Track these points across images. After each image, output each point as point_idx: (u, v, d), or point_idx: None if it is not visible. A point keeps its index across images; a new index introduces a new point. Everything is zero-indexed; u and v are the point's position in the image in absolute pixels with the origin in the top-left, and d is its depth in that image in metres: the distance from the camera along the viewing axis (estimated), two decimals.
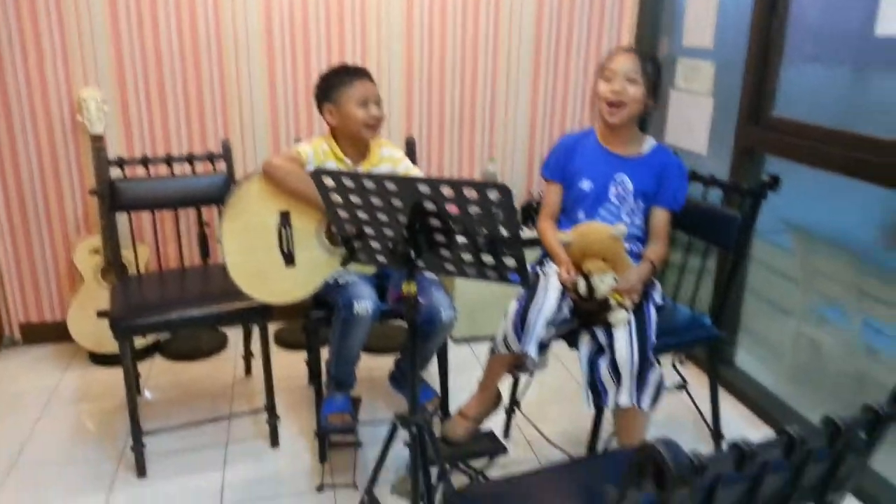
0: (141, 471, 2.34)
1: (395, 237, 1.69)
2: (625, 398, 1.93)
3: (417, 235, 1.62)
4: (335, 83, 2.25)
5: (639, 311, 2.03)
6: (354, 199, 1.66)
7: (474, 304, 3.15)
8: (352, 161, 2.31)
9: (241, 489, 2.29)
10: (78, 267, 2.96)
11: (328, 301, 2.29)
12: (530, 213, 3.26)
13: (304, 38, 3.09)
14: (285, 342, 3.22)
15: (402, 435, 1.81)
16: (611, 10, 3.34)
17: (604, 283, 1.99)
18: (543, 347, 2.05)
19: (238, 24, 3.01)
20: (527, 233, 2.94)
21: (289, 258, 2.24)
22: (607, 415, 2.20)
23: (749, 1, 2.59)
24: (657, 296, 2.13)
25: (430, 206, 1.58)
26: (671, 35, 3.19)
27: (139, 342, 3.06)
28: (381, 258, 1.78)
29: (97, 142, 2.86)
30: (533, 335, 1.98)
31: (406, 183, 1.57)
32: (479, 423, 2.29)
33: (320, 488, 2.28)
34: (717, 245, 2.21)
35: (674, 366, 2.26)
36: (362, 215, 1.70)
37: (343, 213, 1.72)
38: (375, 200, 1.64)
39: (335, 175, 1.63)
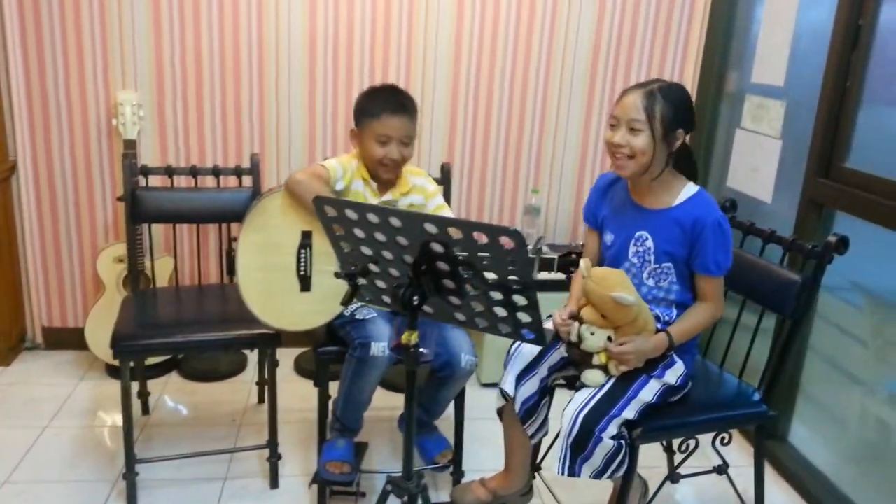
0: (131, 500, 2.21)
1: (400, 278, 1.52)
2: (556, 466, 1.76)
3: (423, 279, 1.45)
4: (365, 109, 2.08)
5: (625, 381, 1.79)
6: (358, 232, 1.50)
7: (505, 345, 2.94)
8: (378, 186, 2.15)
9: None
10: (100, 274, 2.89)
11: (341, 335, 2.13)
12: (570, 262, 2.96)
13: (348, 55, 2.96)
14: (304, 370, 3.07)
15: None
16: (675, 39, 3.12)
17: (593, 337, 1.80)
18: (539, 398, 1.94)
19: (281, 36, 2.90)
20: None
21: (305, 282, 2.09)
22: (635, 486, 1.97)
23: (828, 34, 2.34)
24: (671, 375, 1.83)
25: (437, 247, 1.40)
26: (740, 69, 2.95)
27: (156, 358, 2.96)
28: (386, 299, 1.61)
29: (129, 147, 2.79)
30: (509, 373, 1.96)
31: (412, 220, 1.39)
32: (499, 499, 2.08)
33: None
34: (772, 310, 1.95)
35: (713, 445, 1.99)
36: (366, 251, 1.53)
37: (346, 247, 1.56)
38: (380, 236, 1.47)
39: (337, 203, 1.47)
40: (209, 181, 2.57)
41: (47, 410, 2.70)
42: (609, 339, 1.80)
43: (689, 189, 1.85)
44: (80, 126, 2.91)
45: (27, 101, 2.85)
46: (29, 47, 2.80)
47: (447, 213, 2.27)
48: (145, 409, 2.72)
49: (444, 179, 2.49)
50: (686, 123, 1.81)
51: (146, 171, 2.48)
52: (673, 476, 1.92)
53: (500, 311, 1.46)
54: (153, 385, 2.87)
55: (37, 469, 2.36)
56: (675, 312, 1.89)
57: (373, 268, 1.56)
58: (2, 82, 2.81)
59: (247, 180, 2.56)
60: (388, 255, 1.50)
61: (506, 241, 1.30)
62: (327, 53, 2.95)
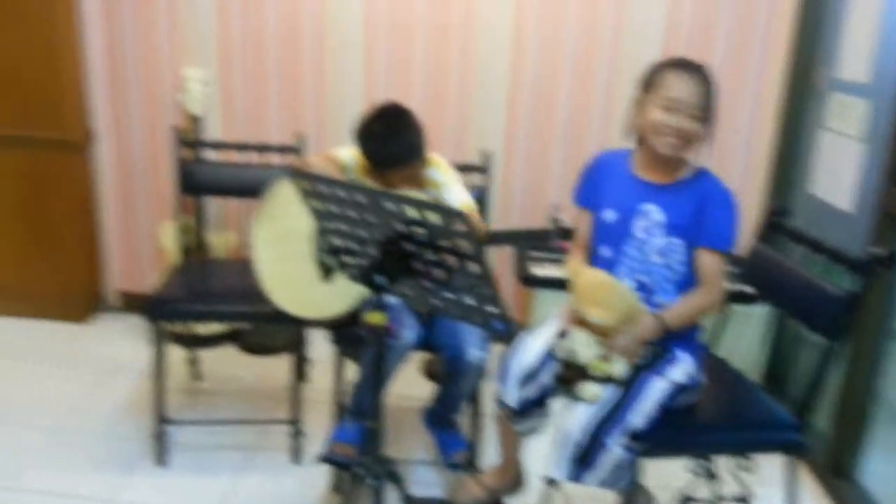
0: (160, 459, 2.33)
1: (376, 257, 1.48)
2: (553, 469, 1.68)
3: (389, 259, 1.40)
4: (361, 145, 1.95)
5: (627, 384, 1.69)
6: (333, 208, 1.47)
7: None
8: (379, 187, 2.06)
9: (245, 500, 2.20)
10: (163, 244, 3.04)
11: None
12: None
13: (408, 44, 2.95)
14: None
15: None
16: (759, 32, 2.86)
17: (585, 348, 1.70)
18: (537, 405, 1.84)
19: (339, 15, 2.92)
20: None
21: (326, 270, 2.07)
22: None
23: None
24: (677, 373, 1.72)
25: (400, 227, 1.35)
26: (829, 65, 2.68)
27: (214, 328, 3.08)
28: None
29: (191, 122, 2.90)
30: (509, 382, 1.83)
31: (374, 197, 1.35)
32: (495, 496, 2.02)
33: None
34: (809, 328, 1.75)
35: (734, 474, 1.80)
36: (343, 227, 1.50)
37: (325, 224, 1.54)
38: (351, 213, 1.44)
39: (311, 178, 1.46)
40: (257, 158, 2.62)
41: (107, 369, 2.88)
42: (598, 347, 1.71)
43: (693, 165, 1.81)
44: (147, 99, 3.06)
45: (104, 74, 3.05)
46: (104, 28, 2.99)
47: (464, 201, 2.06)
48: (196, 375, 2.84)
49: (483, 169, 2.41)
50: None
51: (194, 145, 2.56)
52: (685, 500, 1.77)
53: (469, 301, 1.39)
54: (209, 354, 3.00)
55: (85, 421, 2.54)
56: (677, 297, 1.80)
57: (353, 246, 1.53)
58: (82, 56, 3.01)
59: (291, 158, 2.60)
60: (362, 233, 1.47)
61: (458, 223, 1.23)
62: (386, 38, 2.94)
